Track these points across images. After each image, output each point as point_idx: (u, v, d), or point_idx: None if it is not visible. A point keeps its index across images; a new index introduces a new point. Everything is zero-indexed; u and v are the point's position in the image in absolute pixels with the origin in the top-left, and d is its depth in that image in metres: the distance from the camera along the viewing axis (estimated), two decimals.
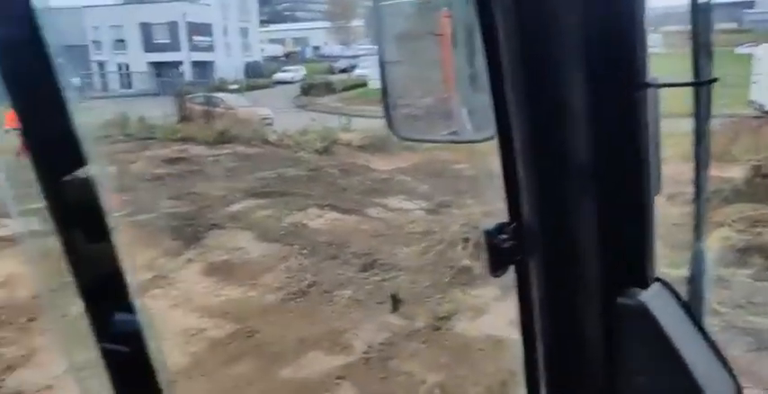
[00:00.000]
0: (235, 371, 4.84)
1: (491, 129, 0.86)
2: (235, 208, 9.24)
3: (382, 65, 0.92)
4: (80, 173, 0.61)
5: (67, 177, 0.61)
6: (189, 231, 7.94)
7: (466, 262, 6.76)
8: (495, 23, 0.74)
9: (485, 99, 0.98)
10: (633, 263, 0.79)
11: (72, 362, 0.71)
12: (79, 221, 0.62)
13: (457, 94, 1.02)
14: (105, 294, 0.66)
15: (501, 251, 0.82)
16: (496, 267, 0.83)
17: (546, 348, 0.86)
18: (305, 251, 7.51)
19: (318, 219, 8.87)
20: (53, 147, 0.61)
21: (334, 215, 9.10)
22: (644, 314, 0.75)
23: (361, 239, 7.94)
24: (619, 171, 0.75)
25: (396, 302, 6.08)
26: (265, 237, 7.89)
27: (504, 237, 0.81)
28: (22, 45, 0.59)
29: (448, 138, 1.17)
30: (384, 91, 0.93)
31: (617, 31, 0.72)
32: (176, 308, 5.65)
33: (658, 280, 0.80)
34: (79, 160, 0.61)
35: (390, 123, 0.94)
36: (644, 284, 0.78)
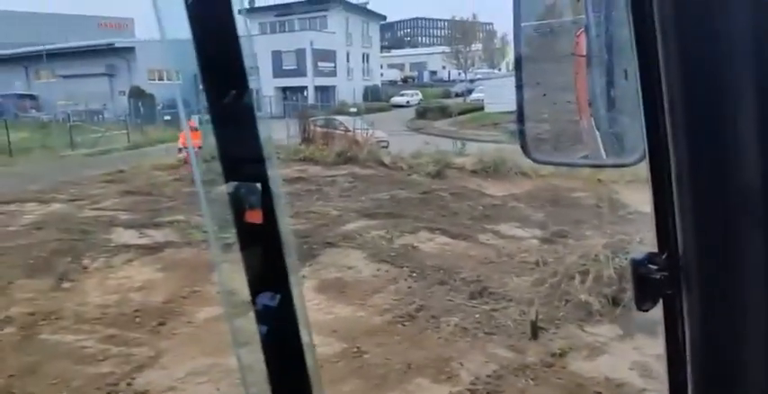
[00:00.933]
0: (342, 389, 4.88)
1: (632, 153, 0.82)
2: (349, 227, 9.48)
3: (519, 87, 0.89)
4: (260, 182, 0.69)
5: (250, 184, 0.69)
6: (305, 248, 8.25)
7: (583, 296, 6.35)
8: (653, 39, 0.68)
9: (623, 122, 0.93)
10: None
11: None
12: (255, 223, 0.69)
13: (591, 117, 0.97)
14: (266, 280, 0.73)
15: (650, 283, 0.74)
16: (643, 300, 0.75)
17: None
18: (414, 274, 7.50)
19: (428, 243, 8.84)
20: (242, 157, 0.69)
21: (445, 239, 9.03)
22: None
23: (470, 266, 7.78)
24: None
25: (535, 329, 5.84)
26: (376, 258, 7.99)
27: (654, 267, 0.74)
28: (224, 65, 0.67)
29: (585, 163, 1.11)
30: (519, 113, 0.90)
31: None
32: (301, 323, 5.85)
33: None
34: (262, 173, 0.68)
35: (524, 146, 0.92)
36: None
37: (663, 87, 0.69)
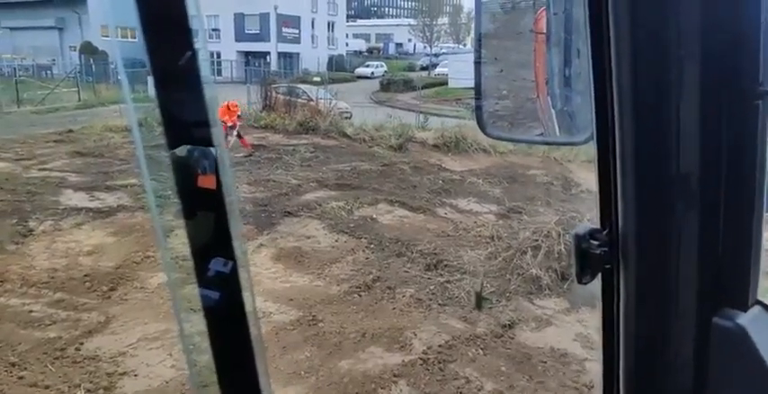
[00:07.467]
0: (296, 357, 4.93)
1: (583, 132, 0.84)
2: (308, 197, 9.44)
3: (477, 62, 0.90)
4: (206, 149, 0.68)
5: (194, 150, 0.68)
6: (263, 217, 8.19)
7: (534, 271, 6.56)
8: (606, 22, 0.70)
9: (577, 101, 0.95)
10: (733, 282, 0.73)
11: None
12: (198, 189, 0.69)
13: (548, 95, 0.98)
14: (211, 247, 0.73)
15: (591, 257, 0.77)
16: (584, 273, 0.79)
17: (628, 366, 0.80)
18: (372, 245, 7.56)
19: (387, 215, 8.90)
20: (187, 123, 0.68)
21: (403, 212, 9.11)
22: (742, 337, 0.70)
23: (427, 238, 7.90)
24: (727, 183, 0.70)
25: (479, 300, 6.01)
26: (335, 229, 8.01)
27: (596, 243, 0.77)
28: (168, 26, 0.66)
29: (538, 140, 1.14)
30: (477, 89, 0.91)
31: (737, 33, 0.66)
32: (245, 290, 5.84)
33: (759, 303, 0.74)
34: (209, 137, 0.67)
35: (480, 121, 0.93)
36: (743, 306, 0.72)
37: (612, 70, 0.71)
